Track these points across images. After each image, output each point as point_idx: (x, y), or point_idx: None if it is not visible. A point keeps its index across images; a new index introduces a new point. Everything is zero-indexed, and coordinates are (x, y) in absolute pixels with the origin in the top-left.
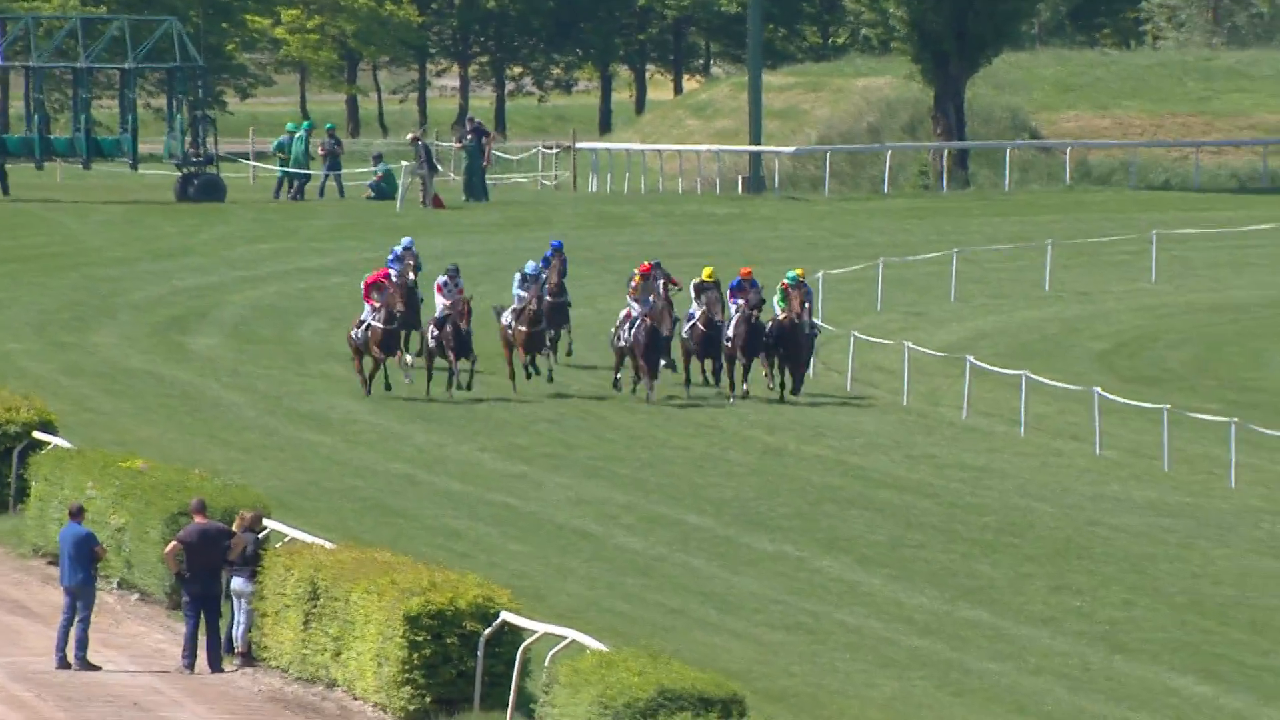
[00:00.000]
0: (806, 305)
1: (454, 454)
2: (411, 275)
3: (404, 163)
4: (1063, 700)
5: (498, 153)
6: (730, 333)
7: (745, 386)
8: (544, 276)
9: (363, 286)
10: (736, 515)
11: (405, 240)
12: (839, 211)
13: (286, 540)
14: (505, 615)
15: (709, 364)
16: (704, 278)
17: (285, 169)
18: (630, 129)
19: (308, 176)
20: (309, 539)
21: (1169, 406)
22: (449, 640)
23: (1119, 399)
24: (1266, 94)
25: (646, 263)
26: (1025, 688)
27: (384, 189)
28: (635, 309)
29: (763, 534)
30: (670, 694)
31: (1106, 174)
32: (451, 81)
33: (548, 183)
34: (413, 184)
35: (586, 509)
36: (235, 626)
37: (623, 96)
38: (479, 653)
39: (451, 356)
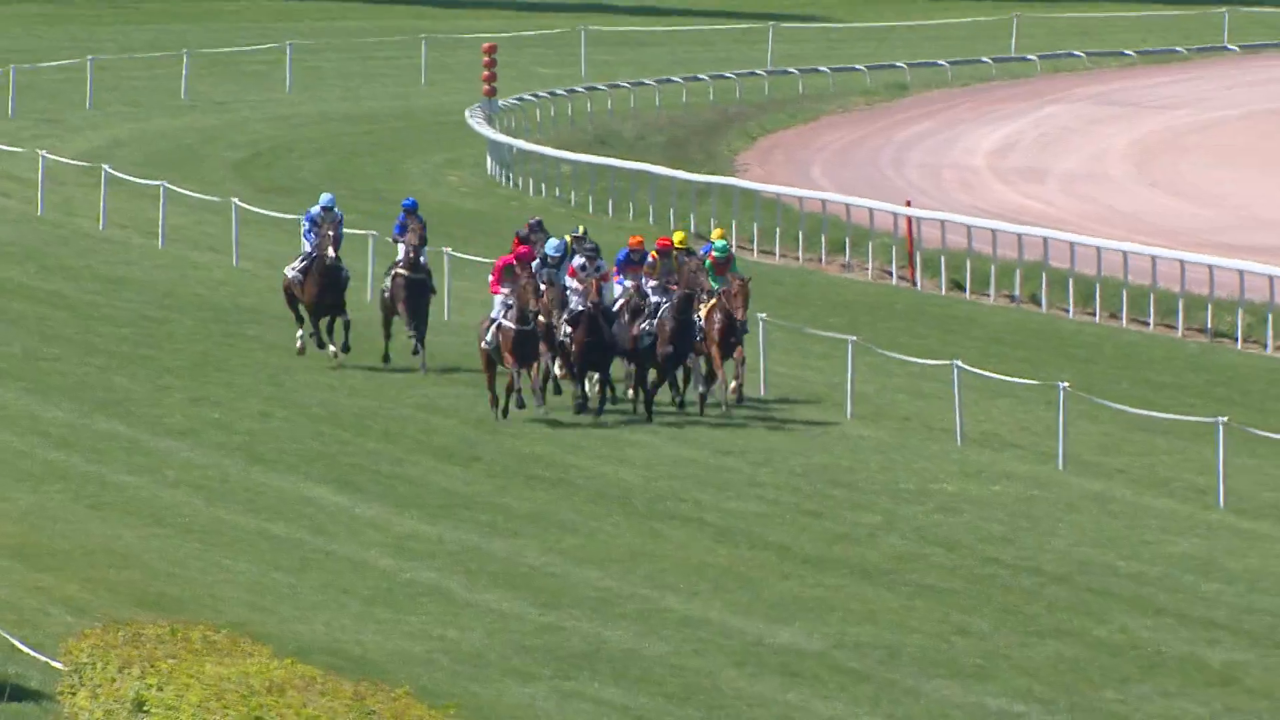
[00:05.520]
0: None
1: None
2: (332, 251)
3: None
4: (201, 511)
5: None
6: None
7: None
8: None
9: (491, 272)
10: None
11: (324, 198)
12: None
13: None
14: None
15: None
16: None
17: None
18: None
19: None
20: None
21: (296, 215)
22: None
23: (256, 209)
24: None
25: (665, 237)
26: (164, 500)
27: None
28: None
29: None
30: None
31: None
32: None
33: None
34: None
35: None
36: None
37: None
38: None
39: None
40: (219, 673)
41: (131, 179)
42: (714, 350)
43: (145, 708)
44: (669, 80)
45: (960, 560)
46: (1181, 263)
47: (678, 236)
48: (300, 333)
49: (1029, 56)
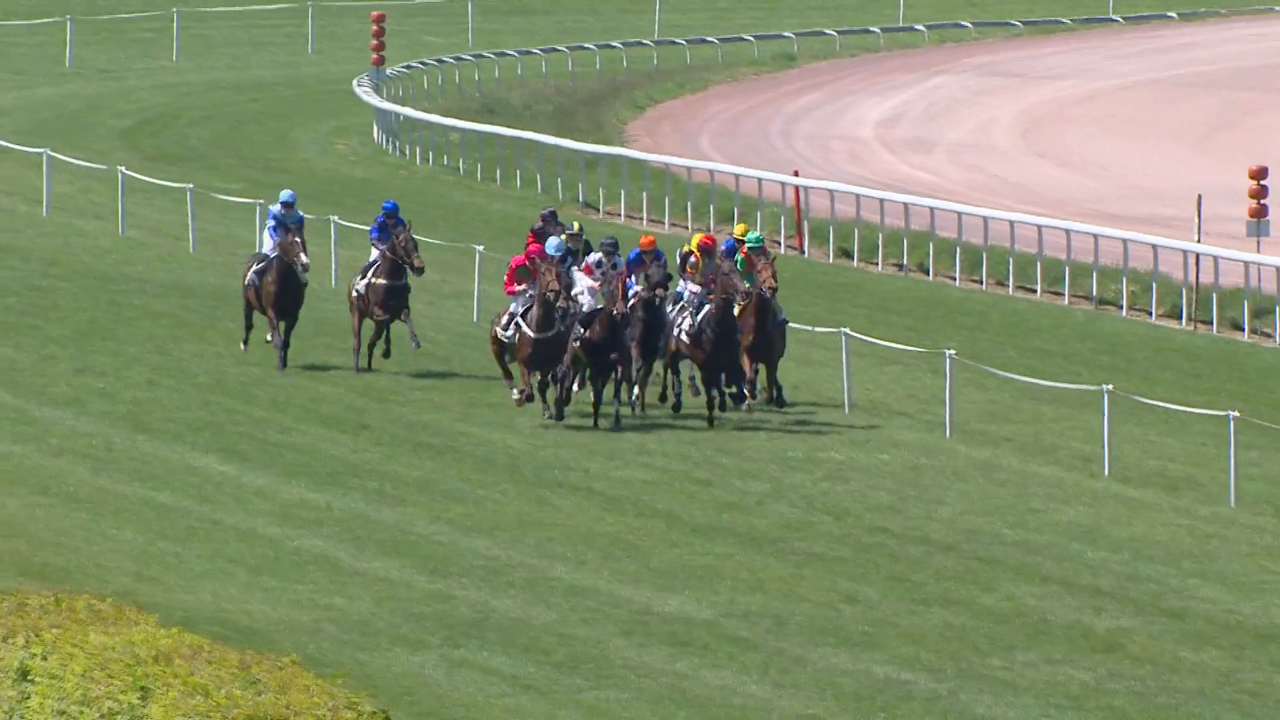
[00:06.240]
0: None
1: None
2: (304, 258)
3: None
4: (86, 480)
5: None
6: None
7: (636, 393)
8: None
9: (506, 273)
10: None
11: (285, 194)
12: None
13: None
14: None
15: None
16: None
17: None
18: None
19: None
20: None
21: (193, 186)
22: None
23: (142, 177)
24: None
25: (708, 235)
26: (48, 469)
27: None
28: (690, 290)
29: None
30: None
31: None
32: None
33: None
34: None
35: None
36: None
37: None
38: None
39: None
40: (104, 642)
41: (15, 146)
42: (744, 358)
43: (30, 677)
44: (556, 49)
45: (848, 529)
46: (1067, 232)
47: (697, 238)
48: (245, 341)
49: (917, 26)
